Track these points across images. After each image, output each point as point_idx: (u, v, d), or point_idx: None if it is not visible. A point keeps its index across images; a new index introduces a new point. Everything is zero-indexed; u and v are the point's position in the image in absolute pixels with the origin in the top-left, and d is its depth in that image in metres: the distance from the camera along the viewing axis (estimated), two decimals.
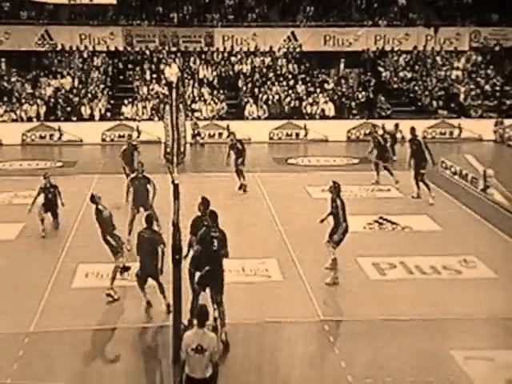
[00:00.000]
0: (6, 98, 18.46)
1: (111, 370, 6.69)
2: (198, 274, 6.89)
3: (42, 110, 18.27)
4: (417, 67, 21.15)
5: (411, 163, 12.04)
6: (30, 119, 18.10)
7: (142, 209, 9.88)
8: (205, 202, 7.56)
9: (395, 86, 20.75)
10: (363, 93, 19.76)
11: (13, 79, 19.60)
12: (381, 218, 11.19)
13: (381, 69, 21.22)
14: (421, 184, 12.04)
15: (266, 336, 7.24)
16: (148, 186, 9.92)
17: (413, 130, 12.17)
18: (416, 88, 20.33)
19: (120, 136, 17.37)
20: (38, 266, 8.45)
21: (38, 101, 18.42)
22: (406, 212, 11.49)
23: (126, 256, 8.19)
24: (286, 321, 7.53)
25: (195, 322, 5.22)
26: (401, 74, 20.95)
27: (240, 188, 12.61)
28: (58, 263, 8.64)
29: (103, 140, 17.78)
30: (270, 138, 18.42)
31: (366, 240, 10.16)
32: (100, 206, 8.13)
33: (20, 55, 20.51)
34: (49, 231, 10.14)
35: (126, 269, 8.11)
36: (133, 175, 10.08)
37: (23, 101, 18.37)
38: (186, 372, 5.06)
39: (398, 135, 15.06)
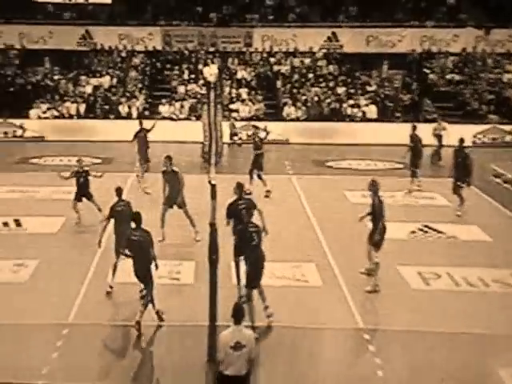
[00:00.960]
0: (49, 96, 19.20)
1: (145, 365, 6.88)
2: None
3: (82, 107, 18.92)
4: (466, 70, 20.69)
5: (453, 174, 11.70)
6: (70, 116, 18.77)
7: (177, 207, 10.12)
8: (240, 187, 8.18)
9: (442, 88, 20.35)
10: (408, 95, 19.49)
11: (55, 77, 20.39)
12: (425, 226, 11.00)
13: (427, 71, 20.86)
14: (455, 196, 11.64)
15: (303, 341, 7.26)
16: (178, 180, 10.09)
17: (461, 141, 11.87)
18: (465, 91, 19.88)
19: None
20: (78, 259, 8.79)
21: (78, 99, 19.09)
22: (452, 221, 11.25)
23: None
24: (323, 327, 7.54)
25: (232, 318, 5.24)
26: (448, 77, 20.54)
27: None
28: (97, 257, 8.91)
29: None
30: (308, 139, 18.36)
31: (409, 248, 10.04)
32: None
33: (62, 54, 21.32)
34: (89, 224, 10.45)
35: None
36: (163, 168, 10.26)
37: (65, 98, 19.06)
38: (220, 369, 5.12)
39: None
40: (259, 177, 12.57)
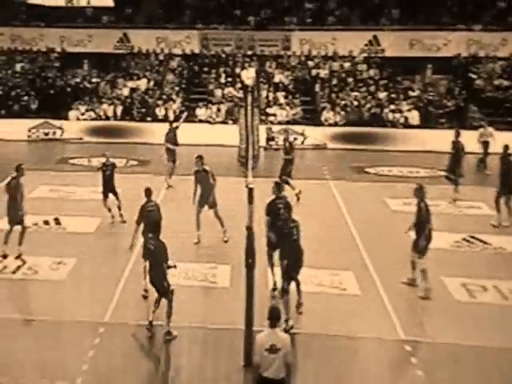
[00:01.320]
0: (87, 98, 19.79)
1: (181, 369, 6.90)
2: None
3: (119, 109, 19.38)
4: None
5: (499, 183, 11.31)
6: (107, 118, 19.27)
7: (208, 206, 10.22)
8: (278, 186, 8.58)
9: (489, 94, 19.78)
10: (452, 101, 19.05)
11: (94, 80, 21.02)
12: (471, 236, 10.68)
13: (473, 76, 20.34)
14: (503, 207, 11.21)
15: (341, 350, 7.17)
16: (210, 179, 10.18)
17: (506, 148, 11.46)
18: None
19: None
20: (114, 258, 8.96)
21: (116, 101, 19.56)
22: (499, 232, 10.89)
23: None
24: (362, 336, 7.43)
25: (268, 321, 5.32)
26: (496, 82, 19.96)
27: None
28: (134, 256, 9.05)
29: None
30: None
31: (454, 259, 9.78)
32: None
33: (100, 57, 21.97)
34: (126, 224, 10.62)
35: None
36: (196, 168, 10.35)
37: (103, 100, 19.59)
38: (260, 372, 5.21)
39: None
40: (287, 182, 12.26)
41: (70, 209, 11.11)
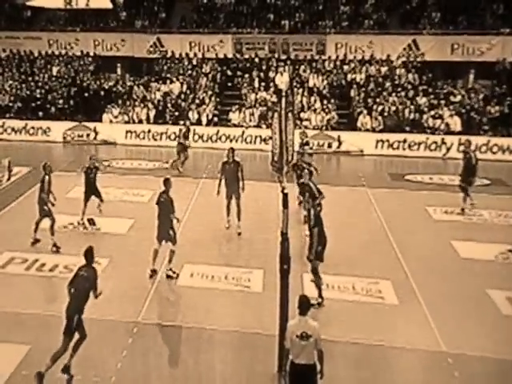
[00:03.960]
0: (120, 101, 20.34)
1: (213, 371, 6.98)
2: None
3: (152, 113, 19.81)
4: None
5: None
6: (140, 121, 19.73)
7: (233, 197, 10.65)
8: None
9: None
10: (496, 107, 18.69)
11: (127, 83, 21.59)
12: None
13: None
14: None
15: (380, 360, 7.13)
16: (238, 172, 10.70)
17: None
18: None
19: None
20: (146, 259, 9.13)
21: (149, 104, 20.01)
22: None
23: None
24: (402, 347, 7.36)
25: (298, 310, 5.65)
26: None
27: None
28: (165, 260, 9.24)
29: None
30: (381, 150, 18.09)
31: (499, 271, 9.60)
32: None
33: (133, 61, 22.55)
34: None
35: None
36: (224, 159, 10.83)
37: (135, 104, 20.09)
38: (291, 359, 5.54)
39: None
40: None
41: (104, 210, 11.40)
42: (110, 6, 19.01)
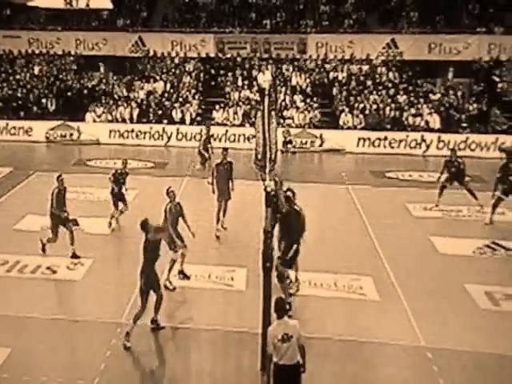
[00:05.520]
0: (103, 100, 20.09)
1: (196, 370, 6.94)
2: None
3: (135, 112, 19.61)
4: None
5: None
6: (124, 120, 19.51)
7: (224, 201, 10.64)
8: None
9: None
10: (474, 105, 18.91)
11: (110, 82, 21.33)
12: (493, 242, 10.59)
13: (496, 79, 20.18)
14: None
15: (360, 355, 7.16)
16: (231, 173, 10.74)
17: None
18: None
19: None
20: (130, 259, 9.03)
21: (132, 103, 19.81)
22: None
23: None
24: (382, 342, 7.40)
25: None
26: None
27: None
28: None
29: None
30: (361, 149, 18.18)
31: (476, 266, 9.71)
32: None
33: (116, 60, 22.28)
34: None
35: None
36: (218, 161, 10.83)
37: (119, 103, 19.87)
38: (275, 361, 5.52)
39: None
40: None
41: (87, 210, 11.28)
42: (110, 6, 18.77)
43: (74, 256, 9.57)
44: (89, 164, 16.20)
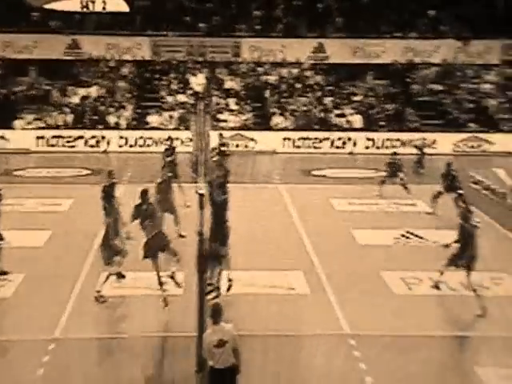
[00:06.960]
0: (35, 106, 19.16)
1: (131, 378, 6.71)
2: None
3: (70, 118, 18.92)
4: (446, 80, 21.17)
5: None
6: (57, 127, 18.73)
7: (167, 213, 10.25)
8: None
9: (424, 98, 20.77)
10: (392, 105, 19.86)
11: (42, 87, 20.33)
12: (407, 231, 11.24)
13: (410, 81, 21.28)
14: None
15: (288, 349, 7.31)
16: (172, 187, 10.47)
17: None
18: (445, 101, 20.33)
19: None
20: (64, 272, 8.74)
21: (66, 109, 19.08)
22: (433, 226, 11.50)
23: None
24: (309, 334, 7.62)
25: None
26: (430, 87, 20.96)
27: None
28: (85, 271, 8.90)
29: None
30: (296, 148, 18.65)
31: (392, 254, 10.24)
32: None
33: (49, 64, 21.13)
34: (76, 238, 10.43)
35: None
36: (159, 180, 10.54)
37: (52, 109, 19.04)
38: (211, 365, 5.45)
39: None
40: None
41: (16, 222, 10.41)
42: (127, 9, 17.87)
43: (2, 273, 8.84)
44: (17, 174, 15.22)
